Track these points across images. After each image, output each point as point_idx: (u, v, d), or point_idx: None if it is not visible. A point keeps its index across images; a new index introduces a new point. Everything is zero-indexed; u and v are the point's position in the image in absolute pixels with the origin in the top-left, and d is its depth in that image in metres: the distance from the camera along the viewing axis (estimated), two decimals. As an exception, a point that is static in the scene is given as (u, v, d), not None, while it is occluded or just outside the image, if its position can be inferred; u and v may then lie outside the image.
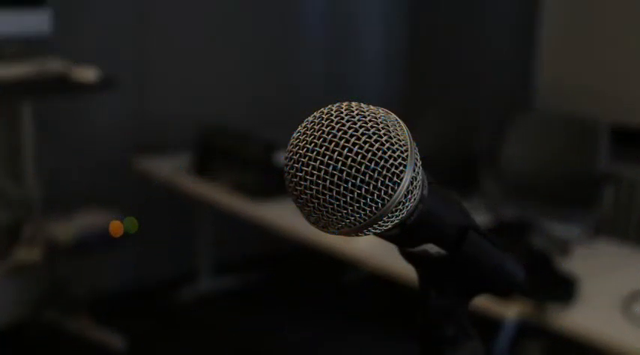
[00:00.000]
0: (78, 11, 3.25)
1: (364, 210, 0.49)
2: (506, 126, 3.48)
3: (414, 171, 0.49)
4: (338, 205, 0.49)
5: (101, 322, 3.13)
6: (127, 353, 3.05)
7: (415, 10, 4.30)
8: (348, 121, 0.49)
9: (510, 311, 2.07)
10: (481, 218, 2.55)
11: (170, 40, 3.56)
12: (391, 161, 0.48)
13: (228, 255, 3.76)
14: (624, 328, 1.96)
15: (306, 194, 0.49)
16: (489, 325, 2.13)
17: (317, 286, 3.75)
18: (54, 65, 2.92)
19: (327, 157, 0.48)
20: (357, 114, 0.49)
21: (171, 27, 3.56)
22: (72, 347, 3.08)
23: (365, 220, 0.49)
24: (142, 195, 3.54)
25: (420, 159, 0.50)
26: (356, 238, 0.54)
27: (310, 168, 0.48)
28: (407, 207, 0.50)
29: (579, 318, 2.01)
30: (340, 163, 0.48)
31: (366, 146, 0.48)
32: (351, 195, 0.48)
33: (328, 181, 0.48)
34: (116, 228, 3.09)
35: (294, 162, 0.49)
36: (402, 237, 0.55)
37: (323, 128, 0.49)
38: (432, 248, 0.58)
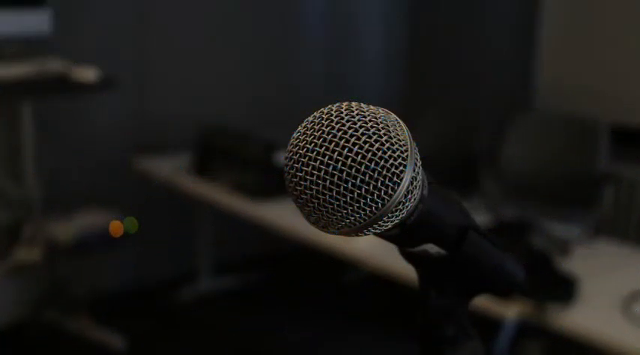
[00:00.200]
0: (78, 11, 3.25)
1: (364, 210, 0.49)
2: (506, 126, 3.48)
3: (414, 171, 0.49)
4: (338, 205, 0.49)
5: (101, 322, 3.13)
6: (127, 353, 3.05)
7: (415, 10, 4.30)
8: (348, 121, 0.49)
9: (510, 311, 2.07)
10: (481, 218, 2.55)
11: (170, 40, 3.56)
12: (391, 161, 0.48)
13: (228, 255, 3.76)
14: (624, 328, 1.96)
15: (306, 194, 0.49)
16: (489, 325, 2.13)
17: (317, 286, 3.75)
18: (54, 65, 2.92)
19: (327, 157, 0.48)
20: (357, 114, 0.49)
21: (171, 27, 3.56)
22: (72, 347, 3.08)
23: (365, 220, 0.49)
24: (142, 195, 3.54)
25: (420, 159, 0.50)
26: (356, 238, 0.54)
27: (310, 168, 0.48)
28: (407, 207, 0.50)
29: (579, 318, 2.01)
30: (340, 163, 0.48)
31: (366, 146, 0.48)
32: (351, 195, 0.48)
33: (328, 181, 0.48)
34: (116, 228, 3.09)
35: (294, 162, 0.49)
36: (402, 237, 0.55)
37: (323, 128, 0.49)
38: (432, 248, 0.58)
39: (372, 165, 0.48)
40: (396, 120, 0.51)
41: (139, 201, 3.50)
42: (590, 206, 3.14)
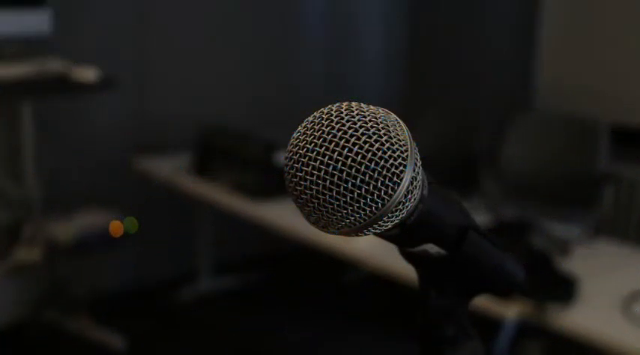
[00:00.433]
0: (78, 11, 3.25)
1: (364, 210, 0.49)
2: (506, 126, 3.48)
3: (414, 171, 0.49)
4: (338, 205, 0.49)
5: (101, 322, 3.13)
6: (127, 353, 3.05)
7: (415, 10, 4.30)
8: (348, 121, 0.49)
9: (510, 311, 2.07)
10: (481, 218, 2.55)
11: (170, 40, 3.56)
12: (391, 161, 0.48)
13: (228, 255, 3.76)
14: (624, 328, 1.96)
15: (306, 194, 0.49)
16: (489, 325, 2.13)
17: (317, 286, 3.75)
18: (54, 65, 2.92)
19: (327, 157, 0.48)
20: (357, 114, 0.49)
21: (171, 27, 3.56)
22: (72, 347, 3.08)
23: (365, 220, 0.49)
24: (142, 195, 3.54)
25: (420, 159, 0.50)
26: (356, 238, 0.54)
27: (310, 168, 0.48)
28: (407, 207, 0.50)
29: (579, 318, 2.01)
30: (340, 163, 0.48)
31: (366, 146, 0.48)
32: (351, 195, 0.48)
33: (328, 181, 0.48)
34: (116, 228, 3.09)
35: (294, 162, 0.49)
36: (402, 237, 0.55)
37: (323, 128, 0.49)
38: (432, 248, 0.58)
39: (372, 165, 0.48)
40: (396, 120, 0.51)
41: (139, 201, 3.50)
42: (590, 206, 3.14)
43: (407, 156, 0.49)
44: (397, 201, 0.49)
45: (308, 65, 4.07)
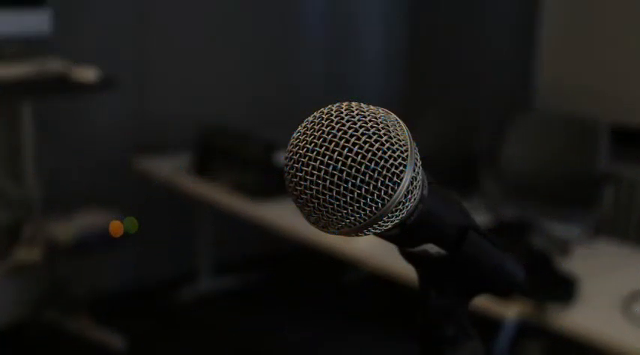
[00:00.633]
0: (78, 11, 3.25)
1: (364, 210, 0.49)
2: (506, 126, 3.48)
3: (414, 171, 0.49)
4: (338, 205, 0.49)
5: (101, 322, 3.13)
6: (127, 353, 3.05)
7: (415, 10, 4.30)
8: (348, 121, 0.49)
9: (510, 311, 2.07)
10: (481, 218, 2.55)
11: (170, 40, 3.56)
12: (391, 161, 0.48)
13: (228, 255, 3.76)
14: (624, 328, 1.96)
15: (306, 194, 0.49)
16: (489, 325, 2.13)
17: (317, 286, 3.75)
18: (54, 65, 2.92)
19: (327, 157, 0.48)
20: (357, 114, 0.49)
21: (171, 27, 3.56)
22: (72, 347, 3.08)
23: (365, 220, 0.49)
24: (142, 195, 3.54)
25: (420, 159, 0.50)
26: (356, 238, 0.54)
27: (310, 168, 0.48)
28: (407, 207, 0.50)
29: (579, 318, 2.01)
30: (340, 163, 0.48)
31: (366, 146, 0.48)
32: (351, 195, 0.48)
33: (328, 181, 0.48)
34: (116, 228, 3.09)
35: (294, 162, 0.49)
36: (402, 237, 0.55)
37: (323, 128, 0.49)
38: (432, 248, 0.58)
39: (372, 165, 0.48)
40: (396, 120, 0.51)
41: (139, 201, 3.50)
42: (590, 206, 3.14)
43: (407, 156, 0.49)
44: (397, 201, 0.49)
45: (308, 65, 4.07)
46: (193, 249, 3.67)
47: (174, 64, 3.60)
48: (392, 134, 0.49)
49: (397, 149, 0.48)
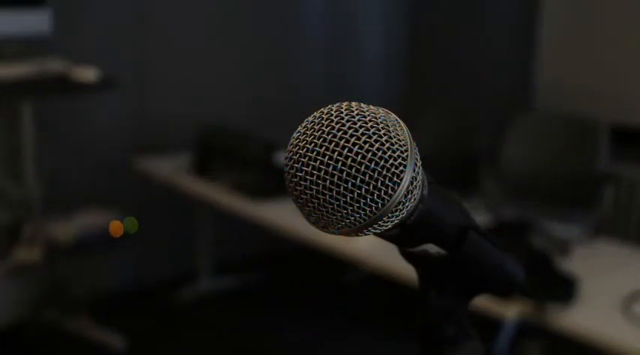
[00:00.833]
0: (78, 11, 3.25)
1: (364, 210, 0.49)
2: (506, 126, 3.48)
3: (414, 171, 0.49)
4: (338, 205, 0.49)
5: (101, 322, 3.13)
6: (127, 353, 3.05)
7: (415, 10, 4.30)
8: (348, 121, 0.49)
9: (510, 311, 2.07)
10: (481, 218, 2.55)
11: (170, 40, 3.56)
12: (391, 161, 0.48)
13: (228, 255, 3.76)
14: (624, 328, 1.96)
15: (306, 194, 0.49)
16: (489, 325, 2.13)
17: (317, 286, 3.75)
18: (54, 65, 2.92)
19: (327, 157, 0.48)
20: (357, 114, 0.49)
21: (171, 27, 3.56)
22: (72, 347, 3.08)
23: (365, 220, 0.49)
24: (142, 195, 3.54)
25: (420, 159, 0.50)
26: (356, 238, 0.54)
27: (310, 168, 0.48)
28: (407, 207, 0.50)
29: (579, 318, 2.01)
30: (340, 163, 0.48)
31: (366, 146, 0.48)
32: (351, 195, 0.48)
33: (328, 181, 0.48)
34: (116, 228, 3.09)
35: (294, 162, 0.49)
36: (402, 237, 0.55)
37: (323, 128, 0.49)
38: (432, 248, 0.58)
39: (372, 165, 0.48)
40: (396, 120, 0.51)
41: (139, 201, 3.50)
42: (590, 206, 3.14)
43: (407, 156, 0.49)
44: (397, 201, 0.49)
45: (308, 65, 4.07)
46: (193, 249, 3.67)
47: (174, 64, 3.60)
48: (392, 134, 0.49)
49: (397, 149, 0.48)
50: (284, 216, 2.73)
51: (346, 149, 0.48)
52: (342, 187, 0.48)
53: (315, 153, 0.48)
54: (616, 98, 3.44)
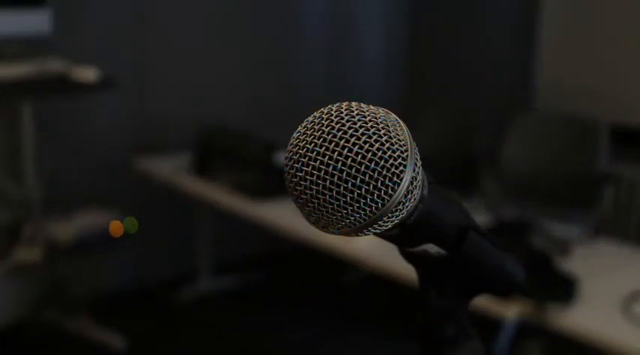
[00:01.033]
0: (78, 11, 3.25)
1: (364, 210, 0.49)
2: (506, 126, 3.48)
3: (414, 171, 0.49)
4: (338, 205, 0.49)
5: (101, 322, 3.13)
6: (127, 353, 3.05)
7: (415, 10, 4.30)
8: (348, 121, 0.49)
9: (510, 311, 2.07)
10: (481, 218, 2.55)
11: (170, 40, 3.56)
12: (391, 161, 0.48)
13: (228, 255, 3.76)
14: (624, 328, 1.96)
15: (306, 194, 0.49)
16: (489, 325, 2.13)
17: (317, 286, 3.75)
18: (54, 65, 2.92)
19: (327, 157, 0.48)
20: (357, 114, 0.49)
21: (171, 27, 3.56)
22: (72, 347, 3.08)
23: (365, 220, 0.49)
24: (142, 195, 3.54)
25: (420, 159, 0.50)
26: (356, 238, 0.54)
27: (310, 168, 0.48)
28: (407, 207, 0.50)
29: (579, 318, 2.01)
30: (340, 163, 0.48)
31: (366, 146, 0.48)
32: (351, 195, 0.48)
33: (328, 181, 0.48)
34: (116, 228, 3.09)
35: (294, 162, 0.49)
36: (402, 237, 0.55)
37: (323, 128, 0.49)
38: (432, 248, 0.58)
39: (372, 165, 0.48)
40: (396, 120, 0.51)
41: (139, 201, 3.50)
42: (590, 206, 3.14)
43: (407, 156, 0.49)
44: (397, 201, 0.49)
45: (308, 65, 4.07)
46: (193, 249, 3.67)
47: (174, 64, 3.60)
48: (392, 134, 0.49)
49: (397, 149, 0.48)
50: (284, 216, 2.73)
51: (346, 149, 0.48)
52: (342, 187, 0.48)
53: (315, 153, 0.48)
54: (616, 98, 3.44)
